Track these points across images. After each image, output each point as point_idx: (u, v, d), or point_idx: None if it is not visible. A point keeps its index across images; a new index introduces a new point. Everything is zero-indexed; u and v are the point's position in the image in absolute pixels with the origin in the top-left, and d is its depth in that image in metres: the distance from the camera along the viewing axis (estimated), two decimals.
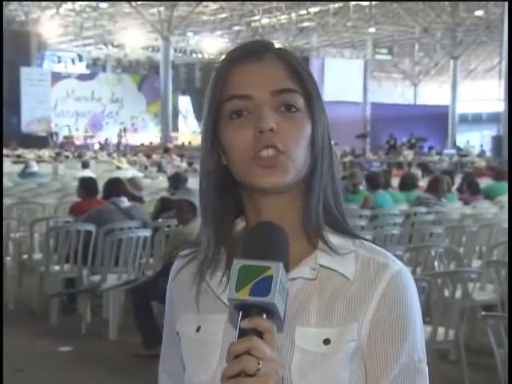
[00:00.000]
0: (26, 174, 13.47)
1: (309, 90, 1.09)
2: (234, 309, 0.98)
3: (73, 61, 36.72)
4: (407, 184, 8.95)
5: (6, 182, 11.88)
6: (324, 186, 1.10)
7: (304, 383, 1.02)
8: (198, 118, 39.60)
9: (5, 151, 23.20)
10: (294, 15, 31.46)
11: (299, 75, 1.08)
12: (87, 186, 7.17)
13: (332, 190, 1.12)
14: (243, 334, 0.94)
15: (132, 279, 5.91)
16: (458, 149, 31.46)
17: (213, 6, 29.81)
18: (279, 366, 0.95)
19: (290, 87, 1.07)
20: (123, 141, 33.16)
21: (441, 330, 4.26)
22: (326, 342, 1.04)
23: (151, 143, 31.34)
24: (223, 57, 1.12)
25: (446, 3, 29.89)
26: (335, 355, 1.03)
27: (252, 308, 0.95)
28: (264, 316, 0.95)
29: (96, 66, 37.97)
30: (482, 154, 29.31)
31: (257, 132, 1.04)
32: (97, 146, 31.87)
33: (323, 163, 1.10)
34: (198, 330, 1.11)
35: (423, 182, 10.31)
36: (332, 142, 1.13)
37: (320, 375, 1.03)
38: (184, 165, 19.78)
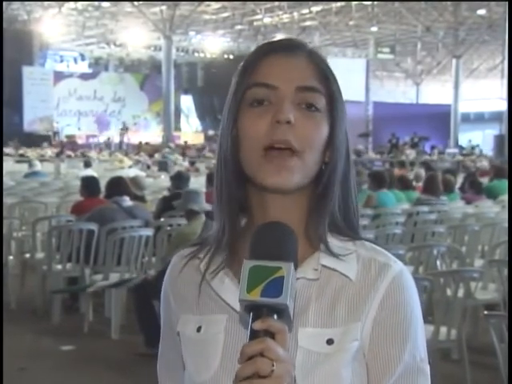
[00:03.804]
0: (29, 173, 13.49)
1: (333, 92, 1.10)
2: (244, 309, 0.98)
3: (75, 60, 36.69)
4: (403, 185, 9.04)
5: (9, 181, 11.89)
6: (335, 190, 1.10)
7: (307, 382, 1.03)
8: (200, 117, 39.64)
9: (7, 150, 23.24)
10: (296, 14, 31.42)
11: (326, 77, 1.10)
12: (89, 185, 7.18)
13: (345, 193, 1.12)
14: (255, 334, 0.94)
15: (133, 277, 5.92)
16: (461, 148, 31.43)
17: (215, 5, 29.78)
18: (291, 366, 0.95)
19: (315, 86, 1.08)
20: (125, 140, 33.17)
21: (443, 330, 4.26)
22: (330, 342, 1.04)
23: (146, 143, 31.21)
24: (255, 48, 1.14)
25: (449, 2, 29.82)
26: (338, 355, 1.04)
27: (263, 309, 0.95)
28: (275, 316, 0.95)
29: (98, 65, 37.93)
30: (480, 153, 29.21)
31: (274, 122, 1.04)
32: (98, 145, 31.86)
33: (338, 166, 1.10)
34: (199, 329, 1.11)
35: None
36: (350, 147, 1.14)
37: (323, 374, 1.03)
38: (186, 164, 19.77)
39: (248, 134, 1.06)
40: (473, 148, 31.03)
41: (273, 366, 0.91)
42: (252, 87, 1.07)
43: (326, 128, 1.08)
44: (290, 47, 1.11)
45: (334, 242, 1.09)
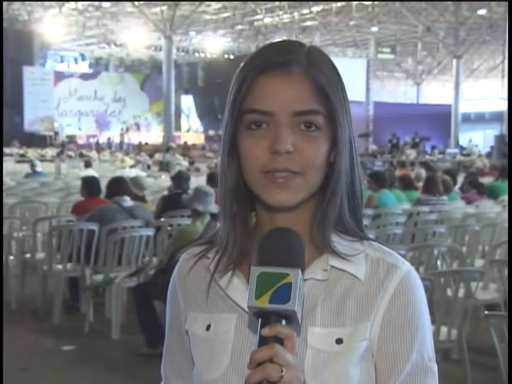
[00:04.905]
0: (29, 173, 13.49)
1: (333, 109, 1.07)
2: (252, 315, 0.99)
3: (75, 60, 36.74)
4: (405, 185, 9.01)
5: (9, 182, 11.89)
6: (340, 196, 1.10)
7: (317, 381, 1.04)
8: (201, 117, 39.64)
9: (8, 150, 23.25)
10: (296, 14, 31.40)
11: (325, 93, 1.06)
12: (90, 185, 7.18)
13: (352, 192, 1.12)
14: (264, 341, 0.95)
15: (140, 268, 5.97)
16: (461, 148, 31.39)
17: (215, 5, 29.76)
18: (300, 372, 0.97)
19: (312, 109, 1.05)
20: (126, 140, 33.19)
21: (444, 330, 4.26)
22: (339, 341, 1.05)
23: (146, 143, 31.26)
24: (248, 60, 1.09)
25: (449, 2, 29.80)
26: (348, 354, 1.05)
27: (271, 315, 0.96)
28: (283, 322, 0.96)
29: (99, 66, 37.98)
30: (485, 153, 29.06)
31: (272, 150, 1.04)
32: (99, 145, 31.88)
33: (341, 177, 1.09)
34: (208, 328, 1.12)
35: None
36: (357, 154, 1.13)
37: (332, 373, 1.04)
38: (186, 163, 19.76)
39: (248, 157, 1.06)
40: (491, 148, 30.61)
41: (282, 371, 0.92)
42: (247, 113, 1.06)
43: (327, 144, 1.07)
44: (286, 62, 1.05)
45: (341, 242, 1.10)
